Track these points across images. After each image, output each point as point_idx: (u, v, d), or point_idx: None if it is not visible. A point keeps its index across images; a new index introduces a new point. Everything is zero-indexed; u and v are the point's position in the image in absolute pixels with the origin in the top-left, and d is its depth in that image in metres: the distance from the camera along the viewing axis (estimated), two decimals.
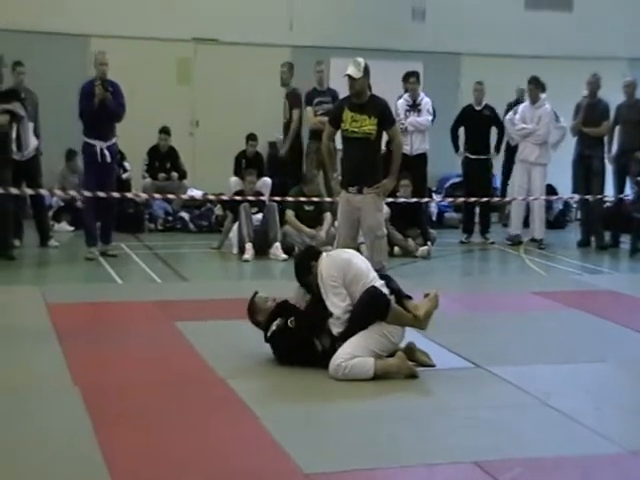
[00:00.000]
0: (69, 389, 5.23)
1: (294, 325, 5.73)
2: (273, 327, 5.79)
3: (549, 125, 11.73)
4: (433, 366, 5.87)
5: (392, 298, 5.71)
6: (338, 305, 5.60)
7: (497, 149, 12.36)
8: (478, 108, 12.20)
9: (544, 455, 4.45)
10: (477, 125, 12.13)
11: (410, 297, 5.85)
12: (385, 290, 5.70)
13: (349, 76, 7.35)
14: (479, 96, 12.23)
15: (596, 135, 11.63)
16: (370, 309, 5.59)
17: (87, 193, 9.87)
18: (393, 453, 4.43)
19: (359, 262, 5.84)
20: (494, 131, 12.32)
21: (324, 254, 5.87)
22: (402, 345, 5.85)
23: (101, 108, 9.77)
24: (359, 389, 5.39)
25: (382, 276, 5.89)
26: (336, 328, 5.62)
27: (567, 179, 12.12)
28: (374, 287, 5.64)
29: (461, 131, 12.38)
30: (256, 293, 6.06)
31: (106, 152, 9.87)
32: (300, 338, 5.71)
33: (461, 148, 12.32)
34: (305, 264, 5.84)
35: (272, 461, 4.32)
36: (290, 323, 5.74)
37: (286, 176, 12.27)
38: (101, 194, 9.83)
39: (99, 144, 9.84)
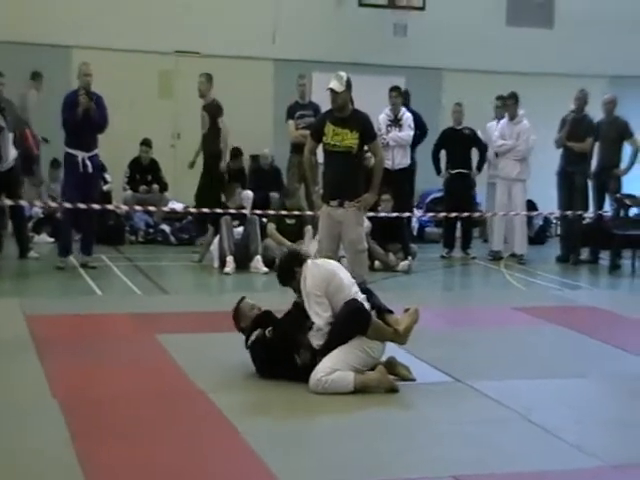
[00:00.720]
0: (48, 401, 5.18)
1: (271, 335, 5.71)
2: (252, 337, 5.78)
3: (528, 141, 11.81)
4: (413, 380, 5.87)
5: (373, 313, 5.70)
6: (321, 315, 5.59)
7: (479, 168, 12.41)
8: (458, 127, 12.27)
9: (525, 470, 4.45)
10: (458, 145, 12.22)
11: (391, 311, 5.85)
12: (366, 305, 5.70)
13: (331, 90, 7.37)
14: (458, 117, 12.33)
15: (580, 150, 11.70)
16: (350, 323, 5.58)
17: (67, 205, 9.82)
18: (373, 467, 4.42)
19: (343, 275, 5.83)
20: (475, 152, 12.40)
21: (309, 261, 5.84)
22: (383, 359, 5.85)
23: (85, 118, 9.75)
24: (340, 403, 5.37)
25: (364, 290, 5.89)
26: (316, 340, 5.60)
27: (548, 194, 12.19)
28: (354, 300, 5.64)
29: (442, 153, 12.45)
30: (243, 298, 6.04)
31: (88, 162, 9.85)
32: (278, 350, 5.68)
33: (442, 169, 12.39)
34: (289, 269, 5.81)
35: (253, 476, 4.30)
36: (268, 333, 5.72)
37: (268, 189, 12.30)
38: (82, 205, 9.80)
39: (81, 154, 9.82)
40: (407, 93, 12.96)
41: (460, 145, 12.22)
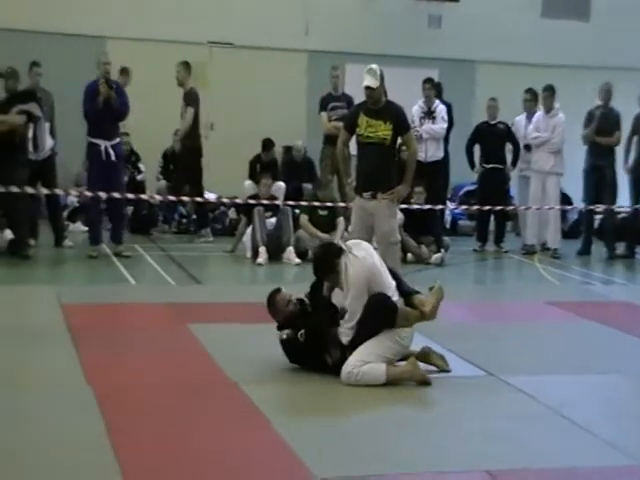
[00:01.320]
0: (83, 389, 5.23)
1: (304, 339, 5.66)
2: (283, 336, 5.74)
3: (563, 134, 11.71)
4: (449, 371, 5.88)
5: (400, 300, 5.69)
6: (356, 309, 5.55)
7: (514, 164, 12.29)
8: (492, 122, 12.17)
9: (557, 466, 4.43)
10: (492, 139, 12.12)
11: (417, 292, 5.86)
12: (395, 296, 5.68)
13: (368, 87, 7.35)
14: (493, 112, 12.20)
15: (608, 145, 11.60)
16: (378, 318, 5.56)
17: (102, 194, 9.90)
18: (405, 460, 4.41)
19: (382, 269, 5.75)
20: (509, 147, 12.31)
21: (349, 254, 5.66)
22: (416, 348, 5.85)
23: (105, 107, 9.82)
24: (372, 396, 5.38)
25: (393, 275, 5.84)
26: (345, 337, 5.59)
27: (581, 189, 12.10)
28: (381, 294, 5.59)
29: (476, 147, 12.38)
30: (279, 290, 5.95)
31: (110, 151, 9.93)
32: (308, 351, 5.68)
33: (476, 163, 12.32)
34: (329, 261, 5.67)
35: (285, 466, 4.32)
36: (300, 337, 5.66)
37: (301, 181, 12.30)
38: (116, 195, 9.89)
39: (103, 143, 9.92)
40: (439, 85, 12.93)
41: (494, 140, 12.12)
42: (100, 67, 10.04)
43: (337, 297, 5.78)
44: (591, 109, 11.81)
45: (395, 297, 5.69)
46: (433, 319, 5.82)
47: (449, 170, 12.52)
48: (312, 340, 5.66)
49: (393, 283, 5.74)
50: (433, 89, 12.22)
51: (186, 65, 11.71)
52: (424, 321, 5.80)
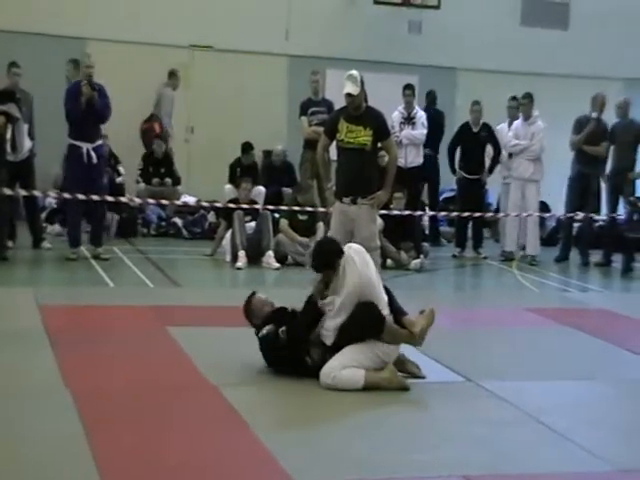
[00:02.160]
0: (60, 391, 5.21)
1: (284, 337, 5.67)
2: (264, 331, 5.75)
3: (542, 141, 11.78)
4: (423, 377, 5.88)
5: (390, 316, 5.67)
6: (341, 314, 5.54)
7: (490, 170, 12.33)
8: (475, 130, 12.20)
9: (535, 471, 4.45)
10: (473, 146, 12.16)
11: (405, 313, 5.84)
12: (386, 310, 5.67)
13: (349, 94, 7.36)
14: (477, 117, 12.21)
15: (595, 154, 11.68)
16: (364, 324, 5.56)
17: (81, 196, 9.85)
18: (384, 465, 4.42)
19: (378, 284, 5.72)
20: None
21: (349, 256, 5.64)
22: None
23: (88, 109, 9.79)
24: (351, 400, 5.38)
25: (386, 291, 5.81)
26: (328, 340, 5.60)
27: (560, 196, 12.19)
28: (371, 303, 5.57)
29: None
30: (254, 293, 6.01)
31: (92, 153, 9.89)
32: (288, 351, 5.67)
33: (457, 167, 12.38)
34: (330, 259, 5.65)
35: (263, 469, 4.31)
36: (281, 333, 5.68)
37: (281, 185, 12.33)
38: (95, 197, 9.85)
39: (85, 145, 9.86)
40: (433, 93, 13.05)
41: (475, 146, 12.15)
42: (83, 70, 9.98)
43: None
44: (580, 117, 11.87)
45: (385, 311, 5.66)
46: (420, 344, 5.79)
47: (439, 177, 12.70)
48: (293, 338, 5.65)
49: (385, 298, 5.72)
50: (413, 95, 12.28)
51: (75, 63, 11.66)
52: (411, 344, 5.79)
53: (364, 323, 5.54)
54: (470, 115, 12.31)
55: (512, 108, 12.45)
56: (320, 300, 5.67)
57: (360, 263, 5.63)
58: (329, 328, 5.59)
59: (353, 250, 5.75)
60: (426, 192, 13.11)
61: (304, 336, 5.65)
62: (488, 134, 12.21)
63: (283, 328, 5.68)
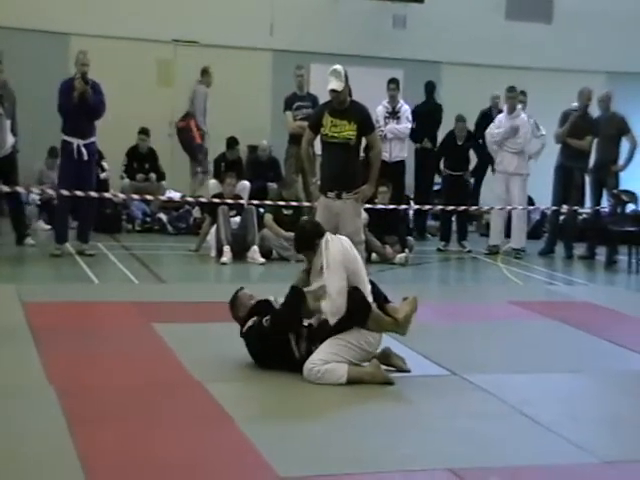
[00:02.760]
0: (44, 388, 5.19)
1: (268, 325, 5.68)
2: (249, 323, 5.76)
3: (527, 135, 11.79)
4: (408, 371, 5.89)
5: (374, 305, 5.69)
6: (334, 281, 5.52)
7: (473, 172, 12.51)
8: (460, 143, 12.26)
9: (519, 464, 4.46)
10: (458, 156, 12.36)
11: (389, 301, 5.86)
12: (370, 297, 5.69)
13: (334, 90, 7.35)
14: (461, 133, 12.27)
15: (578, 148, 11.71)
16: (352, 311, 5.56)
17: (65, 192, 9.81)
18: (368, 459, 4.42)
19: (361, 266, 5.79)
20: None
21: (331, 235, 5.77)
22: (378, 350, 5.86)
23: (81, 104, 9.73)
24: (336, 395, 5.38)
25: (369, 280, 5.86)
26: (332, 317, 5.53)
27: (545, 189, 12.21)
28: (357, 290, 5.61)
29: None
30: (241, 288, 6.03)
31: (83, 150, 9.83)
32: (273, 339, 5.66)
33: (442, 166, 12.48)
34: (311, 239, 5.74)
35: (248, 464, 4.31)
36: (265, 322, 5.68)
37: (266, 180, 12.32)
38: (79, 193, 9.81)
39: (77, 141, 9.81)
40: (432, 84, 13.08)
41: (460, 157, 12.36)
42: (78, 67, 9.90)
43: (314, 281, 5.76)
44: (566, 110, 11.90)
45: (370, 299, 5.69)
46: (405, 332, 5.79)
47: (434, 172, 12.86)
48: (277, 323, 5.64)
49: (369, 287, 5.74)
50: (397, 89, 12.30)
51: None
52: (396, 331, 5.80)
53: (351, 308, 5.54)
54: (455, 128, 12.32)
55: (511, 99, 12.26)
56: (305, 289, 5.69)
57: (344, 243, 5.73)
58: (329, 305, 5.55)
59: (337, 237, 5.82)
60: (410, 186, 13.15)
61: (288, 320, 5.64)
62: (472, 144, 12.32)
63: (267, 317, 5.69)
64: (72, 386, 5.28)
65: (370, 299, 5.69)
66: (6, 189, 10.21)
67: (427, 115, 12.92)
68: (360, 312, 5.59)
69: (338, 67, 7.42)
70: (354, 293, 5.59)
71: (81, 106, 9.75)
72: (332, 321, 5.55)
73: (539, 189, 12.76)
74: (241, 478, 4.18)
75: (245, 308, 5.88)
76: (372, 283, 5.86)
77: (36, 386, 5.25)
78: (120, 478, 4.07)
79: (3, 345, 6.11)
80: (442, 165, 12.47)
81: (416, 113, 12.57)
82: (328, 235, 5.78)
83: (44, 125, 11.20)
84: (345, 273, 5.58)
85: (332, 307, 5.54)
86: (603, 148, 11.81)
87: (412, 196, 13.22)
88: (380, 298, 5.79)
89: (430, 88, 13.28)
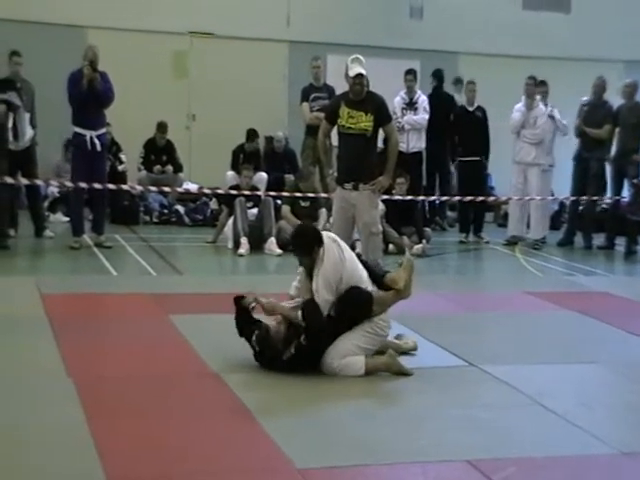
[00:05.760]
0: (63, 379, 5.22)
1: (307, 344, 5.51)
2: (292, 351, 5.52)
3: (545, 126, 11.72)
4: (415, 349, 6.04)
5: (374, 288, 5.68)
6: (325, 297, 5.51)
7: (486, 156, 12.25)
8: (470, 109, 12.16)
9: (537, 455, 4.45)
10: (470, 127, 12.08)
11: (388, 271, 5.83)
12: (370, 287, 5.67)
13: (360, 74, 7.32)
14: (472, 96, 12.17)
15: (596, 137, 11.64)
16: (355, 310, 5.58)
17: (82, 184, 9.85)
18: (385, 450, 4.42)
19: (355, 267, 5.71)
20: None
21: (328, 244, 5.65)
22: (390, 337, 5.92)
23: (90, 93, 9.74)
24: (353, 387, 5.38)
25: (363, 263, 5.81)
26: (324, 310, 5.55)
27: (564, 180, 12.15)
28: (355, 288, 5.58)
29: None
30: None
31: (96, 141, 9.85)
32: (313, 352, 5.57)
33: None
34: (310, 246, 5.63)
35: (265, 455, 4.32)
36: (303, 340, 5.52)
37: (282, 171, 12.31)
38: (97, 185, 9.85)
39: (89, 133, 9.83)
40: (440, 72, 12.97)
41: (472, 128, 12.06)
42: (88, 56, 9.91)
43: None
44: (583, 101, 11.84)
45: (369, 287, 5.68)
46: (409, 295, 5.76)
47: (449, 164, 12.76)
48: (317, 341, 5.53)
49: (365, 274, 5.72)
50: (414, 80, 12.26)
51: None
52: (401, 299, 5.77)
53: (355, 309, 5.55)
54: (465, 95, 12.23)
55: (530, 86, 12.05)
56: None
57: (336, 251, 5.63)
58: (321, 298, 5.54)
59: (327, 237, 5.74)
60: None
61: (321, 331, 5.54)
62: (483, 115, 12.15)
63: (303, 336, 5.52)
64: (90, 377, 5.31)
65: (370, 287, 5.67)
66: (25, 182, 10.25)
67: (436, 108, 12.73)
68: (363, 307, 5.58)
69: (359, 56, 7.43)
70: (354, 293, 5.56)
71: (90, 94, 9.76)
72: (325, 313, 5.51)
73: (558, 179, 12.68)
74: (258, 470, 4.18)
75: (279, 341, 5.63)
76: (366, 266, 5.80)
77: (55, 377, 5.28)
78: (136, 467, 4.09)
79: (22, 336, 6.15)
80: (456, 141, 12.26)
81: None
82: (325, 240, 5.65)
83: (61, 118, 11.21)
84: (334, 287, 5.53)
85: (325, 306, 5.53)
86: (624, 137, 11.71)
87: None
88: (378, 277, 5.76)
89: (439, 75, 13.04)
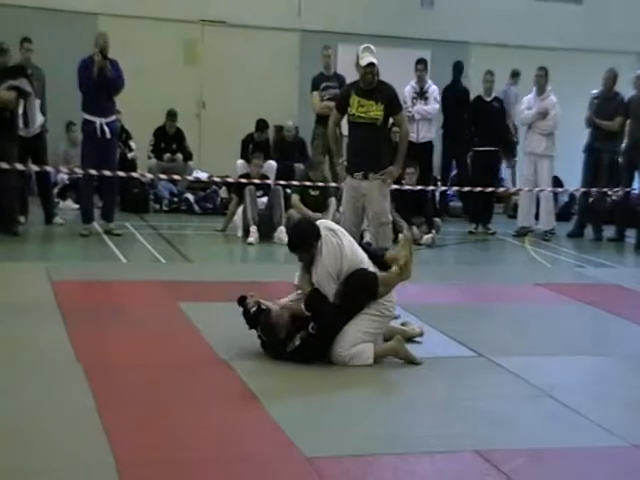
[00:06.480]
0: (72, 366, 5.23)
1: (317, 332, 5.50)
2: (297, 342, 5.53)
3: (556, 117, 11.68)
4: (421, 334, 6.10)
5: (375, 269, 5.70)
6: (326, 288, 5.55)
7: (504, 149, 12.24)
8: (488, 99, 12.12)
9: (546, 446, 4.45)
10: (487, 116, 12.03)
11: (386, 249, 5.90)
12: (371, 269, 5.69)
13: (372, 63, 7.30)
14: (489, 87, 12.11)
15: (607, 129, 11.59)
16: (361, 293, 5.60)
17: (92, 171, 9.86)
18: (394, 440, 4.43)
19: (355, 251, 5.72)
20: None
21: (325, 237, 5.64)
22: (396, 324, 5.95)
23: (100, 80, 9.74)
24: (362, 376, 5.39)
25: (362, 247, 5.85)
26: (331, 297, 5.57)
27: (574, 171, 12.11)
28: (359, 270, 5.61)
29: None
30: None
31: (106, 128, 9.85)
32: (323, 341, 5.57)
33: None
34: (309, 242, 5.62)
35: (273, 444, 4.33)
36: (312, 329, 5.50)
37: (292, 161, 12.28)
38: (107, 172, 9.85)
39: (99, 120, 9.83)
40: (460, 64, 12.96)
41: (489, 118, 12.02)
42: (98, 43, 9.90)
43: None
44: (594, 93, 11.79)
45: (371, 268, 5.70)
46: (409, 275, 5.78)
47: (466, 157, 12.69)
48: (328, 329, 5.54)
49: (365, 257, 5.73)
50: (425, 70, 12.22)
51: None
52: (403, 278, 5.77)
53: (361, 291, 5.57)
54: (482, 85, 12.19)
55: (541, 77, 11.95)
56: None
57: (334, 244, 5.61)
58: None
59: (326, 230, 5.71)
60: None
61: (333, 320, 5.56)
62: (500, 106, 12.11)
63: (312, 324, 5.50)
64: (100, 364, 5.32)
65: (372, 268, 5.69)
66: (35, 168, 10.26)
67: (452, 100, 12.70)
68: (370, 288, 5.60)
69: (370, 45, 7.40)
70: (359, 275, 5.58)
71: (101, 82, 9.76)
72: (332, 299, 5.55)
73: (568, 171, 12.65)
74: (267, 458, 4.19)
75: (282, 327, 5.61)
76: (365, 249, 5.83)
77: (65, 364, 5.29)
78: (146, 454, 4.10)
79: (33, 323, 6.16)
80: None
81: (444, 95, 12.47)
82: (323, 233, 5.63)
83: (71, 105, 11.21)
84: (334, 276, 5.55)
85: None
86: (635, 129, 11.65)
87: (439, 177, 13.15)
88: (378, 258, 5.79)
89: (458, 68, 13.08)
